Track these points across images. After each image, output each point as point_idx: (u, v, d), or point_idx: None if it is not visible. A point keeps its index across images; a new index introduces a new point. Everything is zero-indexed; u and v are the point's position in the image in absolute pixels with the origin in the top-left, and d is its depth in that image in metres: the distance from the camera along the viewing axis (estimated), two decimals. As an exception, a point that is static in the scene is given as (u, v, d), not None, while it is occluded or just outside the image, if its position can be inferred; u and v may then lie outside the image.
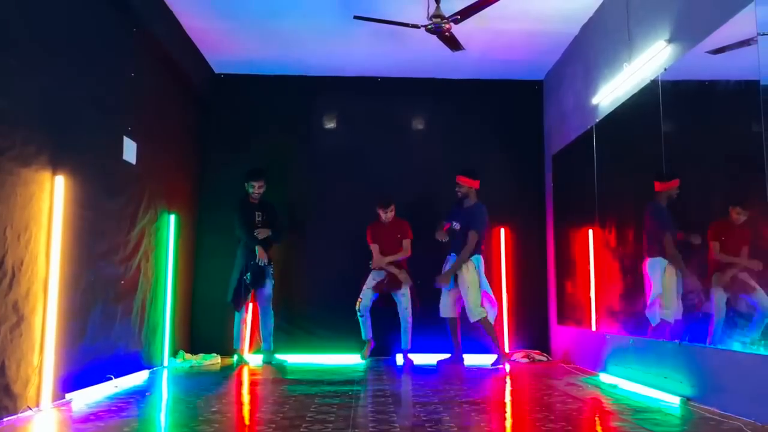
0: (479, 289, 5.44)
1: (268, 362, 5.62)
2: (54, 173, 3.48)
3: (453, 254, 5.52)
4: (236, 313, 5.62)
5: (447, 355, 5.69)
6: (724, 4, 3.29)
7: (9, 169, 3.09)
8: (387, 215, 5.85)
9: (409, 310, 5.81)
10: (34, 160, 3.29)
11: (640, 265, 4.20)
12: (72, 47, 3.70)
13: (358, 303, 5.83)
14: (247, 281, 5.42)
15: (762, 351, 2.97)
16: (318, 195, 6.36)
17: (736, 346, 3.19)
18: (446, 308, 5.60)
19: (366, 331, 5.87)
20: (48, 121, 3.44)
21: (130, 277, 4.55)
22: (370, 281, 5.86)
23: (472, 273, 5.45)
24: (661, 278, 4.02)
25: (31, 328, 3.27)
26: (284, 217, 6.06)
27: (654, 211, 4.18)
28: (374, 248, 5.83)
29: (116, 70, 4.34)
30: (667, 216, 4.05)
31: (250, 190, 5.64)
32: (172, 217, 5.45)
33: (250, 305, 5.88)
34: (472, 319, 5.43)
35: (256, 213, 5.66)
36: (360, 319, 5.84)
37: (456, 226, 5.57)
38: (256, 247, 5.50)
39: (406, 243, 5.85)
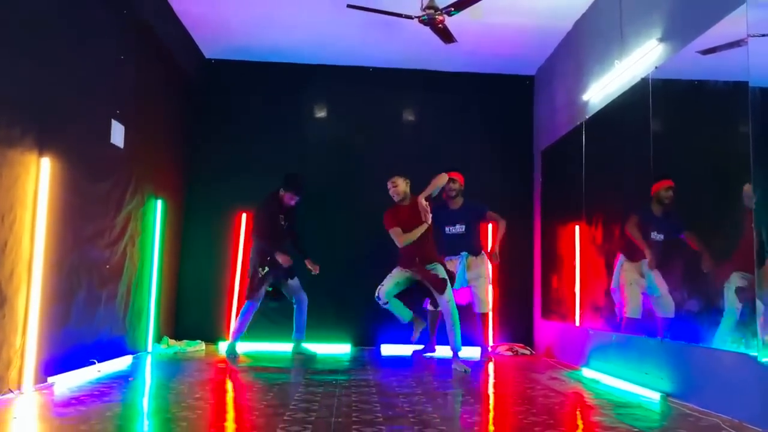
0: (489, 281, 5.56)
1: (297, 352, 5.45)
2: (40, 155, 3.44)
3: (464, 253, 5.43)
4: (246, 303, 5.32)
5: (422, 347, 5.70)
6: (716, 4, 3.31)
7: (-6, 150, 3.05)
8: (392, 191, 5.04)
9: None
10: (19, 141, 3.26)
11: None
12: (60, 28, 3.65)
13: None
14: (261, 274, 5.25)
15: (742, 349, 3.01)
16: (308, 183, 6.32)
17: (717, 344, 3.24)
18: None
19: (402, 312, 4.94)
20: (34, 103, 3.40)
21: (115, 261, 4.53)
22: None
23: (487, 265, 5.50)
24: (617, 273, 4.11)
25: (14, 310, 3.24)
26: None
27: (635, 209, 4.24)
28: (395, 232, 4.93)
29: (105, 53, 4.29)
30: (642, 217, 4.08)
31: (286, 198, 5.34)
32: (159, 202, 5.41)
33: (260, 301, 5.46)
34: (481, 310, 5.46)
35: (279, 216, 5.40)
36: (387, 306, 4.93)
37: (459, 229, 5.50)
38: (276, 255, 5.24)
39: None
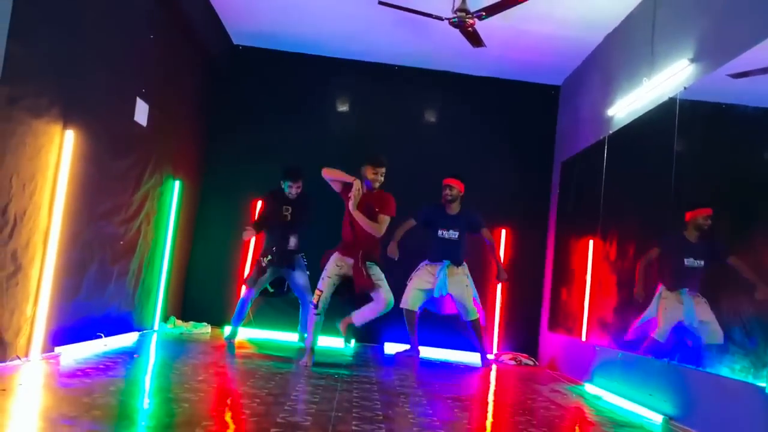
0: (473, 291, 5.49)
1: (301, 346, 5.45)
2: (65, 127, 3.47)
3: (446, 261, 5.41)
4: (247, 290, 5.38)
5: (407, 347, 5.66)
6: (753, 28, 3.27)
7: (20, 119, 3.09)
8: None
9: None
10: (45, 112, 3.29)
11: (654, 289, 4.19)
12: (93, 3, 3.68)
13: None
14: (263, 263, 5.32)
15: (749, 378, 2.98)
16: (320, 177, 6.30)
17: (725, 372, 3.20)
18: (416, 302, 5.46)
19: (315, 336, 4.52)
20: (63, 75, 3.43)
21: (129, 238, 4.56)
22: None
23: (468, 275, 5.49)
24: (656, 301, 4.03)
25: (28, 278, 3.28)
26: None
27: (659, 241, 4.16)
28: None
29: (135, 31, 4.32)
30: (670, 244, 4.01)
31: (286, 189, 5.38)
32: (177, 183, 5.45)
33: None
34: (469, 318, 5.43)
35: (284, 207, 5.39)
36: (316, 318, 4.52)
37: (453, 234, 5.49)
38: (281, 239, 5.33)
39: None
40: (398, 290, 5.38)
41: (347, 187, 4.44)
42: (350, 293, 4.54)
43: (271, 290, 5.46)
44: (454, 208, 5.55)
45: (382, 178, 4.53)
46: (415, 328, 5.52)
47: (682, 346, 3.83)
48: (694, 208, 3.77)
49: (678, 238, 3.89)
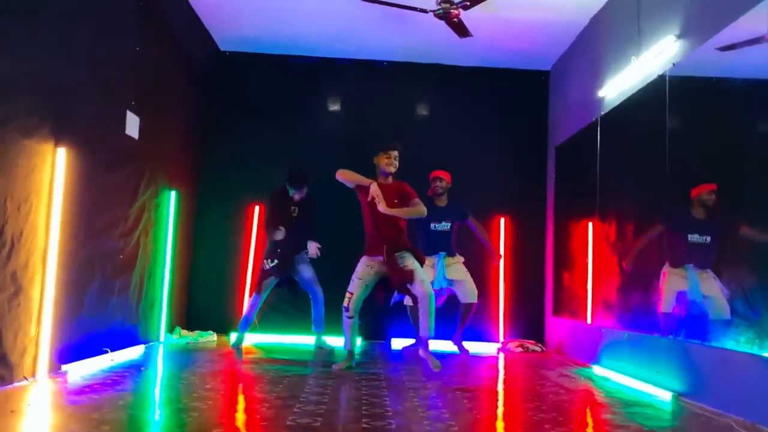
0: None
1: (318, 345, 5.47)
2: (56, 145, 3.47)
3: (442, 253, 5.46)
4: (254, 295, 5.36)
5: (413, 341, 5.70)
6: (736, 1, 3.26)
7: (11, 139, 3.08)
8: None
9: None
10: (36, 131, 3.29)
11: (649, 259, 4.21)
12: (77, 18, 3.67)
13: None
14: (267, 267, 5.26)
15: (755, 350, 2.98)
16: (319, 177, 6.29)
17: (730, 345, 3.21)
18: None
19: (352, 340, 4.48)
20: (51, 93, 3.43)
21: (129, 252, 4.56)
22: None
23: (463, 265, 5.58)
24: (662, 280, 4.04)
25: (29, 298, 3.28)
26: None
27: (664, 218, 4.17)
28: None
29: (121, 44, 4.32)
30: (676, 221, 4.01)
31: (292, 193, 5.37)
32: (173, 194, 5.45)
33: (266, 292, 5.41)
34: (468, 300, 5.47)
35: (292, 207, 5.38)
36: (349, 320, 4.48)
37: (444, 227, 5.51)
38: (309, 243, 5.35)
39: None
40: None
41: (362, 189, 4.37)
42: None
43: (285, 285, 5.41)
44: (443, 201, 5.59)
45: (397, 162, 4.44)
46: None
47: (688, 319, 3.84)
48: (698, 184, 3.77)
49: (683, 215, 3.89)
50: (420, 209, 4.34)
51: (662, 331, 3.93)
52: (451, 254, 5.55)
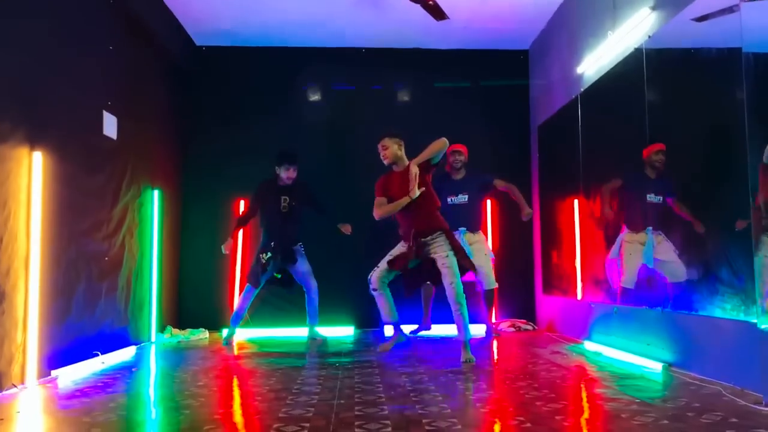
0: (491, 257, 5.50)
1: (311, 337, 5.47)
2: (32, 149, 3.42)
3: (462, 229, 5.32)
4: (246, 287, 5.35)
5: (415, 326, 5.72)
6: (708, -31, 3.26)
7: (-16, 146, 3.03)
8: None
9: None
10: (9, 136, 3.24)
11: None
12: (47, 19, 3.61)
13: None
14: (263, 260, 5.24)
15: (741, 316, 3.01)
16: (303, 168, 6.26)
17: (717, 313, 3.24)
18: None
19: (390, 311, 4.44)
20: (23, 97, 3.37)
21: (114, 253, 4.52)
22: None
23: (487, 242, 5.47)
24: (618, 246, 4.11)
25: (13, 305, 3.25)
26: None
27: (622, 175, 4.25)
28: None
29: (94, 43, 4.25)
30: (634, 180, 4.10)
31: (283, 176, 5.30)
32: (156, 193, 5.40)
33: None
34: (489, 287, 5.40)
35: (282, 198, 5.31)
36: (376, 296, 4.45)
37: (462, 199, 5.44)
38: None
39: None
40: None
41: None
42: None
43: (278, 276, 5.40)
44: (461, 174, 5.52)
45: (389, 151, 4.30)
46: (430, 303, 5.52)
47: (654, 289, 3.92)
48: (648, 144, 3.85)
49: (639, 175, 3.97)
50: (438, 142, 4.14)
51: (631, 301, 3.98)
52: (472, 230, 5.41)
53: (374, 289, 4.35)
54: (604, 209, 4.16)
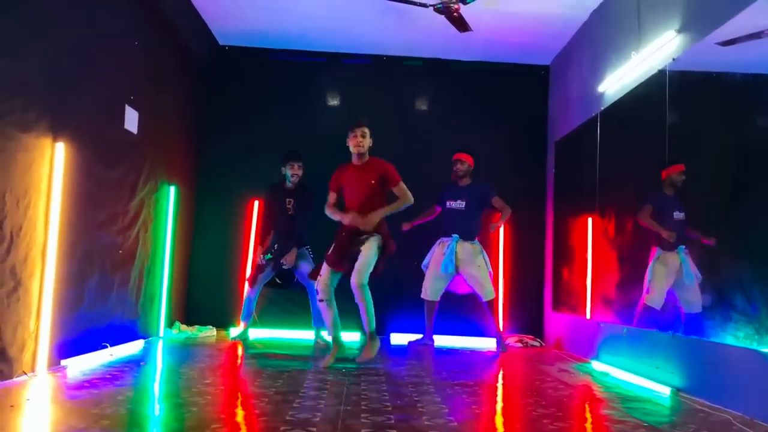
0: (488, 269, 5.49)
1: (317, 340, 5.50)
2: (54, 140, 3.46)
3: (455, 236, 5.42)
4: (248, 290, 5.47)
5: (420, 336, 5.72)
6: (737, -5, 3.25)
7: (9, 135, 3.07)
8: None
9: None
10: (34, 126, 3.27)
11: (646, 254, 4.22)
12: (75, 13, 3.66)
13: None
14: (263, 261, 5.32)
15: (754, 345, 2.98)
16: (317, 173, 6.26)
17: (729, 340, 3.21)
18: (436, 291, 5.51)
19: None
20: (49, 88, 3.41)
21: (128, 246, 4.56)
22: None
23: (483, 254, 5.47)
24: (651, 265, 4.08)
25: (29, 293, 3.28)
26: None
27: (649, 198, 4.23)
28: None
29: (119, 38, 4.30)
30: (657, 202, 4.09)
31: (288, 173, 5.37)
32: (172, 188, 5.44)
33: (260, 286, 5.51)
34: (487, 298, 5.41)
35: (287, 200, 5.39)
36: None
37: (459, 204, 5.48)
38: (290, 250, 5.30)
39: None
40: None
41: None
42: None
43: (279, 282, 5.46)
44: (464, 182, 5.55)
45: (365, 139, 4.23)
46: (433, 318, 5.53)
47: (667, 312, 3.89)
48: (669, 164, 3.85)
49: (661, 194, 3.98)
50: (402, 201, 4.16)
51: (654, 325, 3.94)
52: (466, 238, 5.42)
53: (320, 300, 4.20)
54: (663, 233, 4.10)
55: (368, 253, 4.09)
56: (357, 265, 4.07)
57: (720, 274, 3.46)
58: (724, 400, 3.20)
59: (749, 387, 3.02)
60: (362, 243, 4.15)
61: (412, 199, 4.21)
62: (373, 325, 4.15)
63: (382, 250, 4.18)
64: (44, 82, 3.37)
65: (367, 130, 4.26)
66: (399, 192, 4.19)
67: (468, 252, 5.42)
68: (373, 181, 4.18)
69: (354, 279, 4.06)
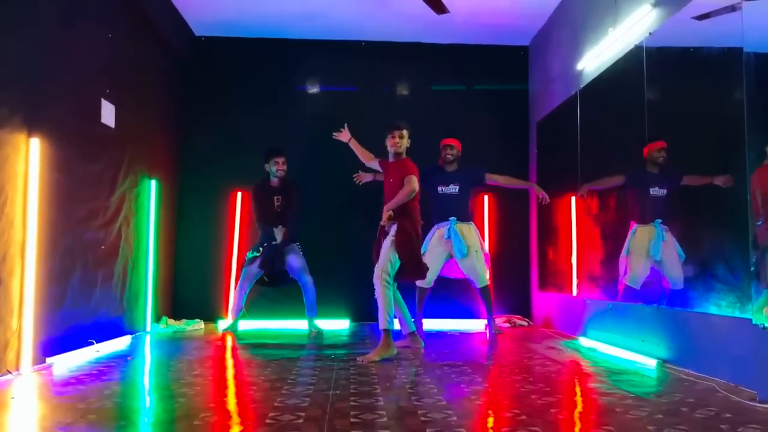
0: (485, 252, 5.48)
1: (311, 329, 5.50)
2: (29, 135, 3.40)
3: (452, 219, 5.34)
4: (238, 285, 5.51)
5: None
6: (710, -34, 3.26)
7: (-18, 130, 3.02)
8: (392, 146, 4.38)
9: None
10: (7, 121, 3.22)
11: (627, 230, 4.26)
12: (47, 6, 3.59)
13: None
14: (249, 256, 5.39)
15: (736, 313, 3.02)
16: (300, 161, 6.22)
17: (713, 310, 3.25)
18: (431, 278, 5.32)
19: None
20: (22, 82, 3.35)
21: (110, 242, 4.51)
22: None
23: (478, 237, 5.45)
24: (628, 241, 4.11)
25: (9, 292, 3.24)
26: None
27: (626, 172, 4.28)
28: None
29: (93, 31, 4.23)
30: (636, 177, 4.13)
31: (273, 169, 5.39)
32: (153, 182, 5.38)
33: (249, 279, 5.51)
34: (482, 284, 5.38)
35: (275, 198, 5.41)
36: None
37: (453, 189, 5.44)
38: (275, 230, 5.37)
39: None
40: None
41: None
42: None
43: (267, 280, 5.48)
44: (453, 167, 5.52)
45: (402, 140, 4.30)
46: (423, 303, 5.51)
47: (651, 286, 3.94)
48: (649, 142, 3.87)
49: (640, 171, 4.01)
50: (405, 192, 4.17)
51: (645, 300, 3.98)
52: (462, 219, 5.37)
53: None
54: (587, 188, 4.26)
55: (384, 250, 4.18)
56: (383, 253, 4.18)
57: (702, 248, 3.49)
58: (708, 368, 3.24)
59: (732, 354, 3.06)
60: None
61: (416, 187, 4.20)
62: (386, 324, 4.03)
63: (399, 243, 4.15)
64: (17, 76, 3.30)
65: (405, 132, 4.34)
66: (405, 182, 4.21)
67: (467, 236, 5.33)
68: (395, 180, 4.27)
69: (374, 273, 4.17)
